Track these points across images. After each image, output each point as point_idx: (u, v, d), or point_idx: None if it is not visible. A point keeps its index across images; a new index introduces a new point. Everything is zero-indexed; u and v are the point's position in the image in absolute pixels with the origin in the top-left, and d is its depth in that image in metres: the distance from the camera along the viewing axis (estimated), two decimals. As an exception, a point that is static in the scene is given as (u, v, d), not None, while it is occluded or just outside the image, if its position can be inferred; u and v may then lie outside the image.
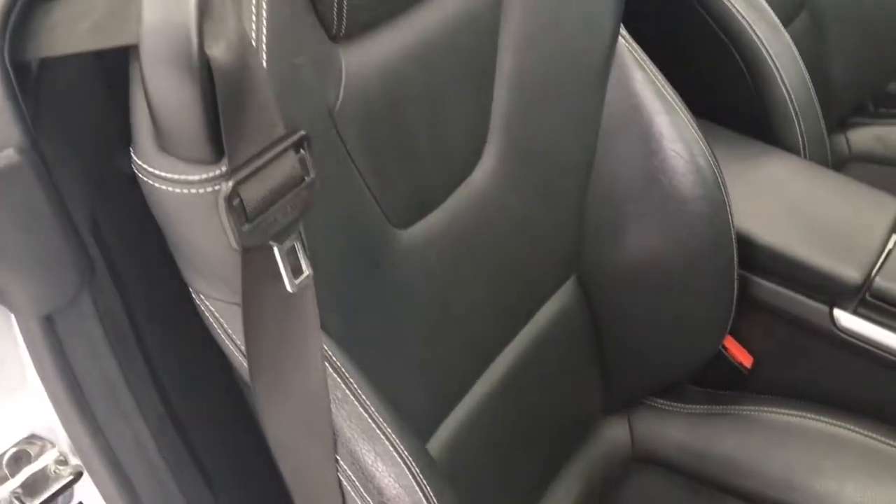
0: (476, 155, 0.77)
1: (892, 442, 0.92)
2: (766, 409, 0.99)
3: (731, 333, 1.03)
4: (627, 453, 1.04)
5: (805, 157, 1.14)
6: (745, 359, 1.04)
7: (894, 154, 1.48)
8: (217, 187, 0.45)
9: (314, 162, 0.50)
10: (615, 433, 1.04)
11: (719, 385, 1.06)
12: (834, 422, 0.95)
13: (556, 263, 0.89)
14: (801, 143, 1.16)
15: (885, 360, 0.93)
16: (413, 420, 0.73)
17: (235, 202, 0.45)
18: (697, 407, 1.02)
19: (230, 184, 0.44)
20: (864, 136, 1.49)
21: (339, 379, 0.55)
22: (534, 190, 0.82)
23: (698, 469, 0.99)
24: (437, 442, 0.77)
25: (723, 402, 1.01)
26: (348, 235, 0.64)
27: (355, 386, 0.56)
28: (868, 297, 0.92)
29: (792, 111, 1.12)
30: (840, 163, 1.44)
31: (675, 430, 1.02)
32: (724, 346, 1.02)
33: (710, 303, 0.93)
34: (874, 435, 0.93)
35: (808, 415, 0.97)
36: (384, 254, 0.68)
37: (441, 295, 0.74)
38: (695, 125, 0.86)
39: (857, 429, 0.94)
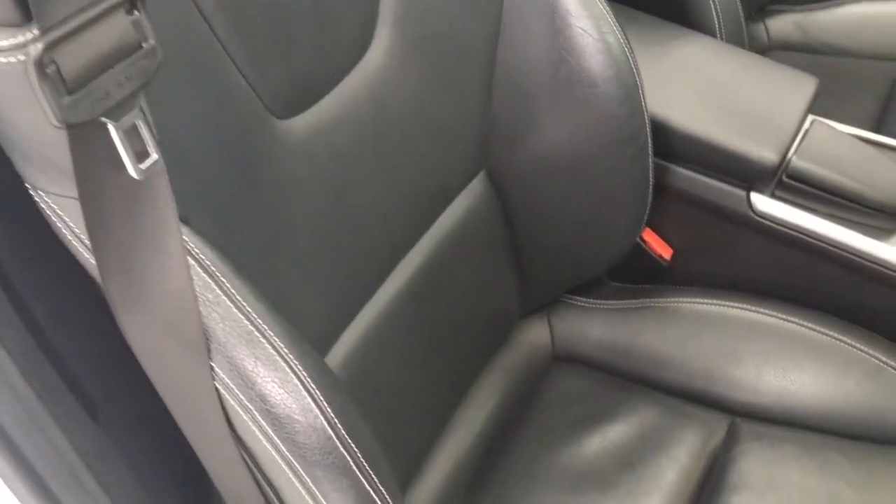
0: (366, 37, 0.70)
1: (812, 325, 0.91)
2: (686, 299, 0.97)
3: (650, 225, 1.01)
4: (548, 353, 1.02)
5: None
6: (664, 251, 1.01)
7: (814, 41, 1.45)
8: (26, 53, 0.38)
9: (165, 35, 0.44)
10: (535, 334, 1.02)
11: (639, 279, 1.04)
12: (754, 308, 0.94)
13: (463, 156, 0.83)
14: (717, 28, 1.13)
15: (802, 244, 0.91)
16: (312, 326, 0.68)
17: (50, 69, 0.38)
18: (617, 302, 1.00)
19: (40, 46, 0.37)
20: (784, 24, 1.45)
21: (208, 279, 0.49)
22: (433, 75, 0.76)
23: (620, 364, 0.97)
24: (343, 348, 0.73)
25: (642, 296, 0.99)
26: (219, 126, 0.57)
27: (228, 286, 0.50)
28: (785, 179, 0.89)
29: (709, -5, 1.08)
30: (759, 51, 1.40)
31: (595, 326, 1.00)
32: (642, 239, 0.99)
33: (624, 193, 0.89)
34: (794, 319, 0.92)
35: (729, 303, 0.95)
36: (266, 147, 0.61)
37: (336, 190, 0.68)
38: (603, 1, 0.80)
39: (777, 314, 0.93)
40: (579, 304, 1.02)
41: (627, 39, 0.81)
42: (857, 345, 0.89)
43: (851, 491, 0.81)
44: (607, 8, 0.81)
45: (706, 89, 0.95)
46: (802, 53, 1.44)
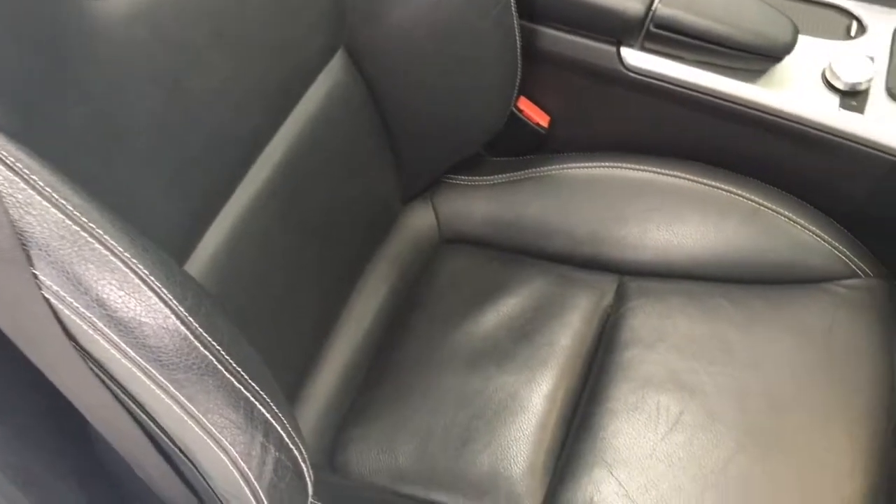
0: None
1: (690, 177, 0.91)
2: (567, 166, 0.95)
3: (524, 94, 0.98)
4: (435, 236, 0.99)
5: None
6: (541, 118, 0.99)
7: None
8: None
9: None
10: (419, 218, 0.99)
11: (519, 151, 1.01)
12: (635, 167, 0.93)
13: (318, 32, 0.78)
14: None
15: (675, 95, 0.90)
16: (164, 231, 0.63)
17: None
18: (499, 177, 0.98)
19: None
20: None
21: (14, 176, 0.44)
22: (269, -58, 0.69)
23: (508, 238, 0.96)
24: (205, 252, 0.68)
25: (524, 168, 0.97)
26: (13, 13, 0.50)
27: (42, 184, 0.45)
28: (652, 29, 0.87)
29: None
30: None
31: (479, 204, 0.98)
32: (518, 109, 0.97)
33: (492, 61, 0.85)
34: (673, 173, 0.92)
35: (610, 164, 0.94)
36: (78, 31, 0.55)
37: (170, 79, 0.62)
38: None
39: (657, 170, 0.92)
40: (461, 182, 0.99)
41: None
42: (734, 190, 0.89)
43: (736, 332, 0.83)
44: None
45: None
46: None
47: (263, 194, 0.74)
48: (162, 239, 0.63)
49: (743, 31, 0.85)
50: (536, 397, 0.82)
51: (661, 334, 0.84)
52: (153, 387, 0.48)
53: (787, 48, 0.84)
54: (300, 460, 0.56)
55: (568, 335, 0.87)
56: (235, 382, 0.51)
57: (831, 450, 0.75)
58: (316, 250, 0.84)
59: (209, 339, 0.49)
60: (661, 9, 0.85)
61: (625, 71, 0.91)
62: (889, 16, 0.93)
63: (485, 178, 0.98)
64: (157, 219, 0.63)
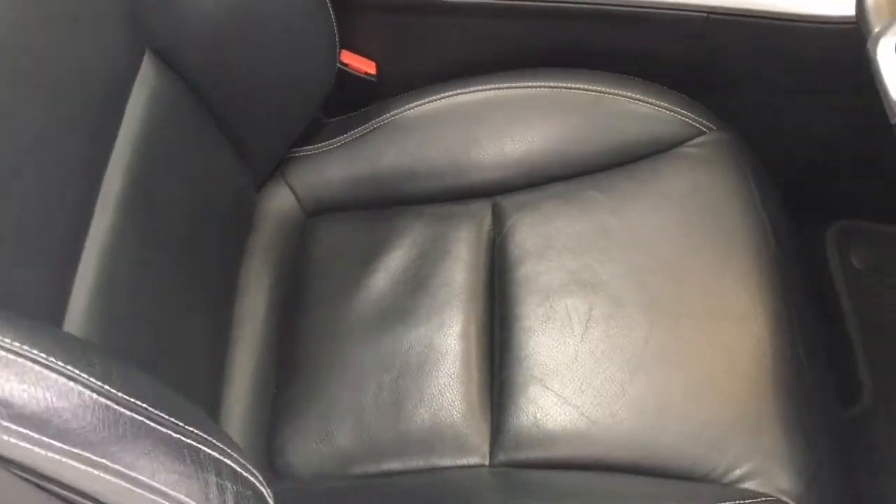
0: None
1: (530, 84, 0.91)
2: (409, 106, 0.94)
3: (344, 47, 0.95)
4: (299, 214, 0.96)
5: None
6: (368, 67, 0.97)
7: None
8: None
9: None
10: (278, 200, 0.96)
11: (357, 105, 0.99)
12: (474, 89, 0.93)
13: (116, 42, 0.71)
14: None
15: (490, 9, 0.90)
16: (28, 298, 0.58)
17: None
18: (344, 136, 0.95)
19: None
20: None
21: None
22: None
23: (371, 195, 0.95)
24: (80, 305, 0.63)
25: (366, 120, 0.95)
26: None
27: None
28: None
29: None
30: None
31: (333, 169, 0.95)
32: (343, 63, 0.94)
33: (303, 20, 0.82)
34: (513, 84, 0.92)
35: (450, 93, 0.93)
36: None
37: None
38: None
39: (497, 86, 0.92)
40: (309, 153, 0.96)
41: None
42: (572, 85, 0.91)
43: (613, 217, 0.86)
44: None
45: None
46: None
47: (117, 227, 0.69)
48: (30, 309, 0.58)
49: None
50: (452, 340, 0.83)
51: (547, 241, 0.86)
52: (90, 469, 0.44)
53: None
54: (257, 484, 0.54)
55: (461, 270, 0.87)
56: (173, 434, 0.48)
57: (729, 298, 0.80)
58: (186, 266, 0.79)
59: (132, 400, 0.46)
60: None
61: (438, -2, 0.90)
62: None
63: (331, 141, 0.96)
64: (16, 289, 0.57)
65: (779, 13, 0.88)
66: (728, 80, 0.96)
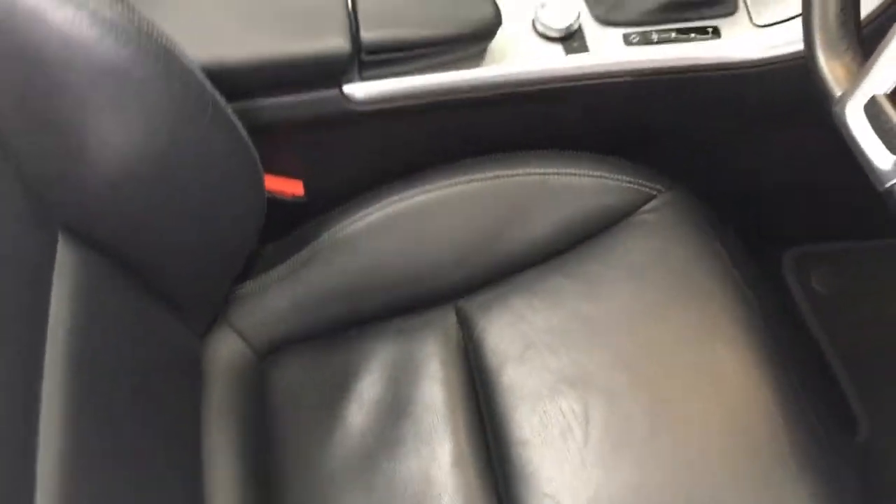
0: None
1: (470, 178, 0.87)
2: (350, 220, 0.87)
3: (267, 171, 0.89)
4: (251, 358, 0.89)
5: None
6: (295, 188, 0.91)
7: None
8: None
9: None
10: (227, 348, 0.88)
11: (289, 226, 0.93)
12: (410, 193, 0.87)
13: (22, 227, 0.64)
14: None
15: (413, 108, 0.86)
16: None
17: None
18: (285, 265, 0.88)
19: None
20: None
21: None
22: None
23: (325, 320, 0.88)
24: None
25: (303, 245, 0.88)
26: None
27: None
28: (365, 58, 0.81)
29: None
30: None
31: (278, 301, 0.88)
32: (269, 192, 0.88)
33: (223, 159, 0.75)
34: (451, 181, 0.87)
35: (395, 198, 0.87)
36: None
37: None
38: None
39: (432, 186, 0.87)
40: (250, 289, 0.89)
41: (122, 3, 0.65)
42: (514, 171, 0.87)
43: (586, 302, 0.82)
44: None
45: (232, 6, 0.82)
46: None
47: (68, 431, 0.61)
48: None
49: (450, 26, 0.81)
50: (446, 469, 0.77)
51: (523, 341, 0.81)
52: None
53: (497, 21, 0.83)
54: None
55: (439, 389, 0.81)
56: None
57: (725, 367, 0.77)
58: (147, 439, 0.71)
59: None
60: (367, 35, 0.80)
61: (355, 107, 0.85)
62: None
63: (270, 273, 0.89)
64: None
65: (704, 64, 0.87)
66: (666, 134, 0.95)
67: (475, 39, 0.83)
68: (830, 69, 0.59)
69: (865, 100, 0.57)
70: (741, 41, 0.86)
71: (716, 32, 0.86)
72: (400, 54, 0.82)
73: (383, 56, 0.82)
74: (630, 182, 0.87)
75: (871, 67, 0.57)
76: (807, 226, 1.08)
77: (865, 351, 1.00)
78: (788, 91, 0.89)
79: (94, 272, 0.70)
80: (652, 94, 0.88)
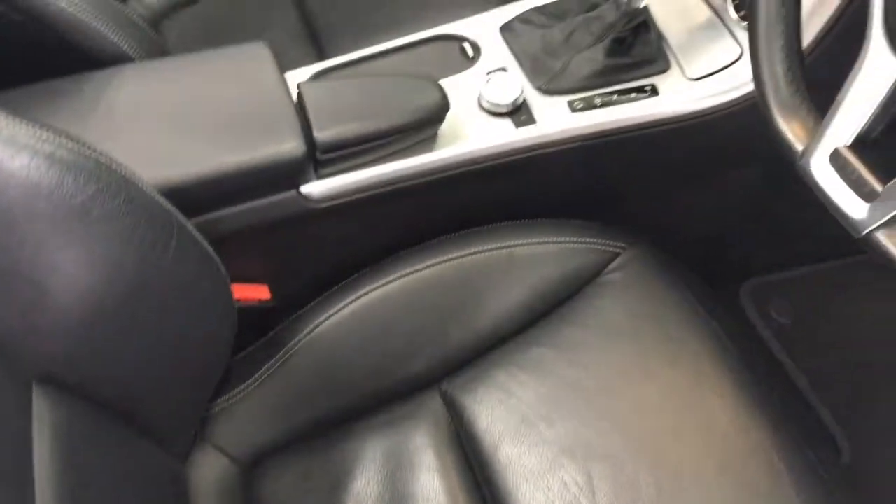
0: None
1: (437, 260, 0.87)
2: (321, 319, 0.86)
3: (233, 280, 0.87)
4: (235, 473, 0.85)
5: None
6: (261, 293, 0.89)
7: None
8: None
9: None
10: (210, 468, 0.84)
11: (264, 332, 0.90)
12: (390, 279, 0.86)
13: None
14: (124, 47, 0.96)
15: (373, 199, 0.86)
16: None
17: None
18: (258, 375, 0.86)
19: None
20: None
21: None
22: None
23: (309, 423, 0.86)
24: None
25: (277, 349, 0.86)
26: None
27: None
28: (321, 157, 0.81)
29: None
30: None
31: (257, 411, 0.85)
32: (236, 300, 0.86)
33: (198, 280, 0.74)
34: (419, 266, 0.87)
35: (363, 292, 0.86)
36: None
37: None
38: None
39: (403, 272, 0.87)
40: (226, 404, 0.86)
41: (76, 141, 0.63)
42: (480, 248, 0.88)
43: (569, 367, 0.82)
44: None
45: (180, 122, 0.80)
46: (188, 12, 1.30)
47: None
48: None
49: (401, 115, 0.82)
50: (459, 561, 0.75)
51: (516, 417, 0.81)
52: None
53: (445, 105, 0.83)
54: None
55: (438, 480, 0.80)
56: None
57: (718, 416, 0.78)
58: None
59: None
60: (320, 134, 0.79)
61: (314, 206, 0.84)
62: (489, 20, 0.96)
63: (246, 383, 0.86)
64: None
65: (647, 121, 0.89)
66: (622, 190, 0.97)
67: (426, 125, 0.84)
68: (789, 127, 0.62)
69: (828, 153, 0.59)
70: (678, 96, 0.89)
71: (654, 90, 0.89)
72: (354, 149, 0.82)
73: (338, 153, 0.81)
74: (593, 243, 0.89)
75: (829, 122, 0.59)
76: (760, 257, 1.12)
77: (832, 373, 1.03)
78: (728, 136, 0.93)
79: (72, 418, 0.66)
80: (603, 154, 0.90)
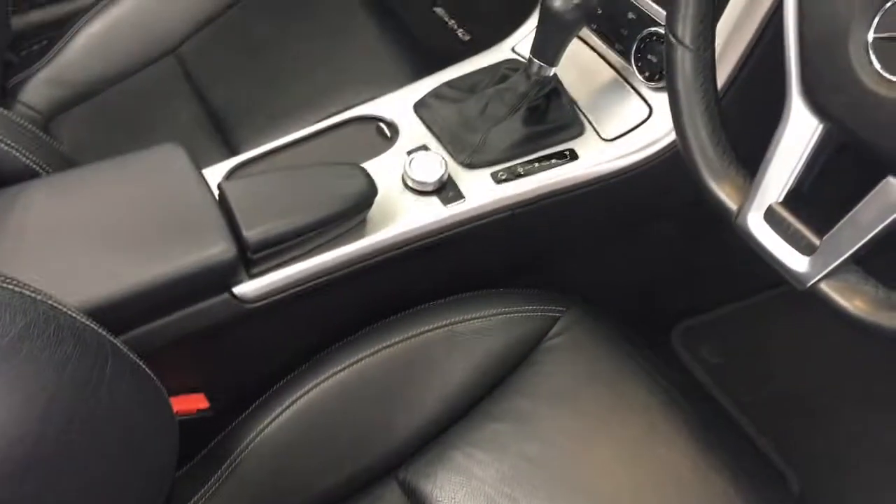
0: None
1: (380, 346, 0.85)
2: (262, 426, 0.82)
3: (169, 392, 0.82)
4: None
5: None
6: (199, 402, 0.85)
7: (76, 85, 1.26)
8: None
9: None
10: None
11: (198, 444, 0.86)
12: (331, 373, 0.84)
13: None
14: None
15: (307, 291, 0.84)
16: None
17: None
18: (203, 492, 0.81)
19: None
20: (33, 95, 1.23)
21: None
22: None
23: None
24: None
25: (220, 462, 0.81)
26: None
27: None
28: (253, 256, 0.78)
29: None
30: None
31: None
32: (177, 415, 0.81)
33: (129, 412, 0.68)
34: (371, 350, 0.85)
35: (301, 392, 0.83)
36: None
37: None
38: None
39: (352, 360, 0.84)
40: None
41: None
42: (420, 330, 0.86)
43: (530, 443, 0.81)
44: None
45: (100, 236, 0.76)
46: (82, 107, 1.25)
47: None
48: None
49: (329, 206, 0.80)
50: None
51: (480, 498, 0.79)
52: None
53: (373, 191, 0.82)
54: None
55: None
56: None
57: (671, 464, 0.79)
58: None
59: None
60: (250, 234, 0.77)
61: (248, 306, 0.81)
62: (402, 98, 0.97)
63: (191, 502, 0.81)
64: None
65: (570, 185, 0.91)
66: (555, 252, 0.98)
67: (355, 212, 0.82)
68: (721, 189, 0.64)
69: (763, 210, 0.61)
70: (597, 157, 0.91)
71: (573, 154, 0.91)
72: (285, 245, 0.80)
73: (269, 250, 0.79)
74: (532, 311, 0.89)
75: (760, 181, 0.61)
76: (686, 301, 1.15)
77: (769, 407, 1.06)
78: (647, 191, 0.95)
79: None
80: (531, 220, 0.91)
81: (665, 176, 0.92)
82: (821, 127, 0.58)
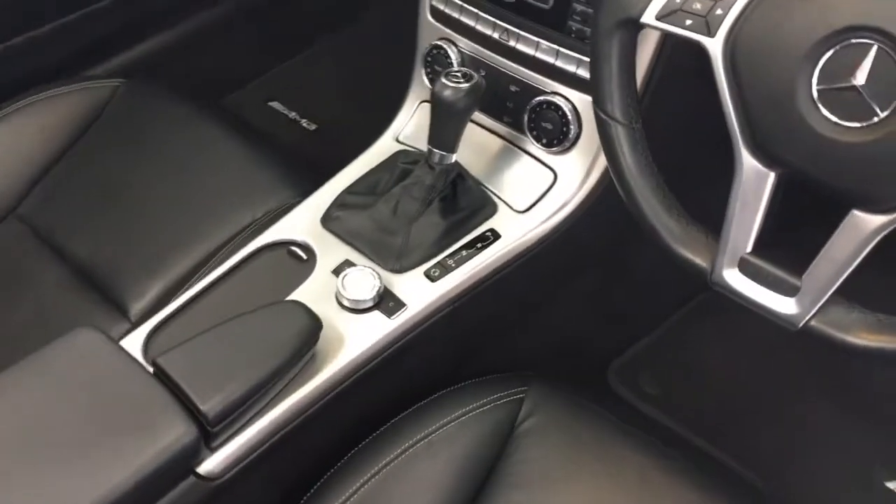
0: None
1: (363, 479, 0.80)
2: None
3: None
4: None
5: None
6: None
7: None
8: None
9: None
10: None
11: None
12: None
13: None
14: None
15: (274, 444, 0.77)
16: None
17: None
18: None
19: None
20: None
21: None
22: None
23: None
24: None
25: None
26: None
27: None
28: (213, 429, 0.72)
29: None
30: None
31: None
32: None
33: None
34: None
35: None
36: None
37: None
38: None
39: None
40: None
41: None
42: (400, 448, 0.82)
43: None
44: None
45: (35, 450, 0.67)
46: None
47: None
48: None
49: (278, 352, 0.75)
50: None
51: None
52: None
53: (318, 325, 0.78)
54: None
55: None
56: None
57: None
58: None
59: None
60: (207, 407, 0.70)
61: (217, 482, 0.74)
62: (304, 216, 0.93)
63: None
64: None
65: (501, 263, 0.91)
66: (506, 329, 0.97)
67: (305, 351, 0.78)
68: (689, 252, 0.65)
69: (736, 264, 0.63)
70: (517, 232, 0.91)
71: (495, 234, 0.91)
72: (247, 404, 0.73)
73: (230, 418, 0.72)
74: (497, 398, 0.87)
75: (727, 236, 0.63)
76: (612, 340, 1.17)
77: (720, 424, 1.10)
78: (568, 251, 0.97)
79: None
80: (470, 309, 0.90)
81: (583, 234, 0.94)
82: (772, 175, 0.61)
